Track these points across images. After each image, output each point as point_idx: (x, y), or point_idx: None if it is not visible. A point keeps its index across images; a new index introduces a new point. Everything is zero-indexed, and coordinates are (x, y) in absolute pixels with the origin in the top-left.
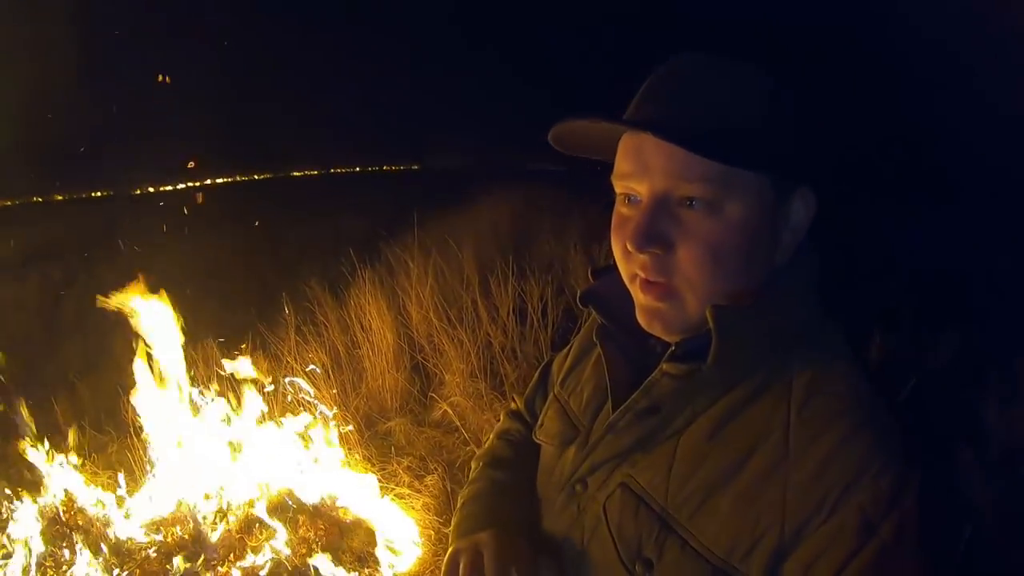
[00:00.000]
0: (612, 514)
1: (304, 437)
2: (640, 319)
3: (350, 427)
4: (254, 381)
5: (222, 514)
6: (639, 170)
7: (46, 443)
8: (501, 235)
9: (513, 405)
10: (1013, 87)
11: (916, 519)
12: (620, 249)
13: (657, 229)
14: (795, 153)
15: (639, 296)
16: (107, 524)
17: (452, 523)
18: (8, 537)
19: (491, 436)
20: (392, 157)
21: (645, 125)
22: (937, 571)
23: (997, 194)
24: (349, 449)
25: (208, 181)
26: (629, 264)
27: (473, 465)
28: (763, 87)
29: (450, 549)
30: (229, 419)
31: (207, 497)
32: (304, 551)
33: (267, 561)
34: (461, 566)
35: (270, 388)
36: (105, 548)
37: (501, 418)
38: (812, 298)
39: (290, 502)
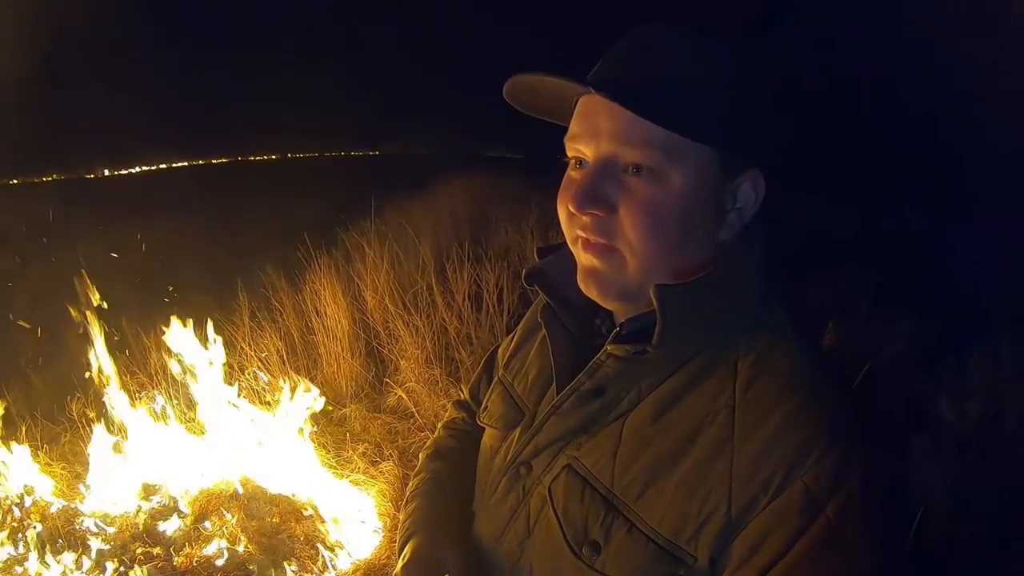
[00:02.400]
0: (557, 496)
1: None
2: (581, 282)
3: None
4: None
5: (174, 504)
6: (588, 132)
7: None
8: (458, 222)
9: (461, 395)
10: (969, 78)
11: (861, 498)
12: (564, 212)
13: (600, 191)
14: (748, 134)
15: (580, 256)
16: (66, 517)
17: (400, 521)
18: None
19: (438, 426)
20: (350, 143)
21: (593, 84)
22: (884, 550)
23: (955, 187)
24: (304, 435)
25: (164, 165)
26: (572, 226)
27: (420, 456)
28: (723, 64)
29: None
30: (166, 413)
31: (150, 491)
32: (258, 540)
33: (221, 550)
34: None
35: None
36: (59, 542)
37: (448, 409)
38: (757, 279)
39: (239, 490)
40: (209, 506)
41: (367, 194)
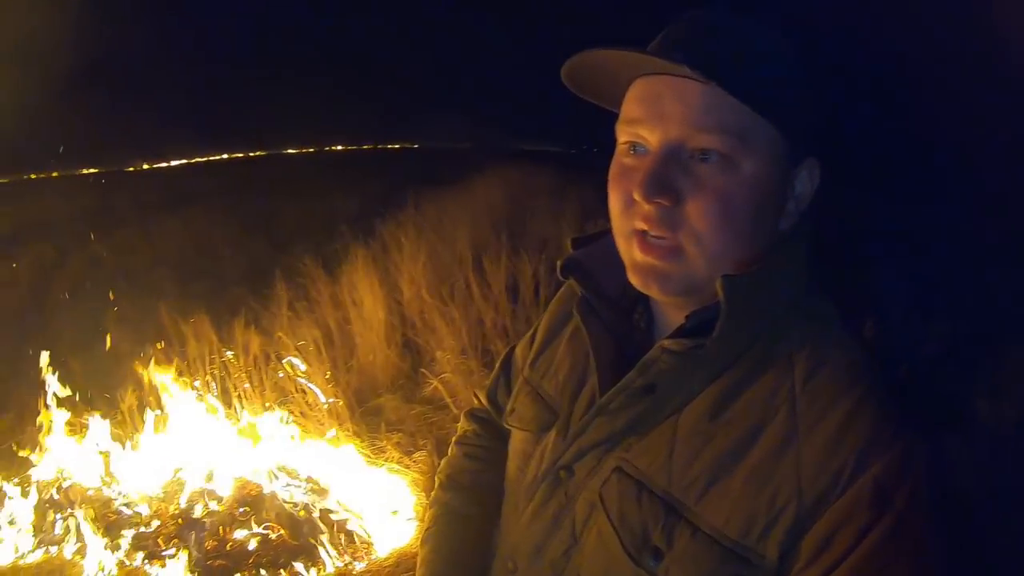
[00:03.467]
0: (610, 501)
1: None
2: (635, 279)
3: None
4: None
5: (208, 490)
6: (653, 116)
7: (41, 419)
8: (496, 214)
9: (475, 402)
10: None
11: (925, 488)
12: (622, 200)
13: (668, 179)
14: (811, 121)
15: (636, 254)
16: (102, 500)
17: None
18: (2, 513)
19: (452, 444)
20: (389, 135)
21: (683, 60)
22: (946, 538)
23: (997, 191)
24: (340, 424)
25: (201, 158)
26: (629, 217)
27: (436, 481)
28: (789, 48)
29: None
30: (214, 408)
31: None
32: (290, 527)
33: (254, 535)
34: None
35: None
36: (96, 524)
37: (462, 420)
38: (806, 270)
39: (273, 478)
40: (243, 493)
41: (405, 186)
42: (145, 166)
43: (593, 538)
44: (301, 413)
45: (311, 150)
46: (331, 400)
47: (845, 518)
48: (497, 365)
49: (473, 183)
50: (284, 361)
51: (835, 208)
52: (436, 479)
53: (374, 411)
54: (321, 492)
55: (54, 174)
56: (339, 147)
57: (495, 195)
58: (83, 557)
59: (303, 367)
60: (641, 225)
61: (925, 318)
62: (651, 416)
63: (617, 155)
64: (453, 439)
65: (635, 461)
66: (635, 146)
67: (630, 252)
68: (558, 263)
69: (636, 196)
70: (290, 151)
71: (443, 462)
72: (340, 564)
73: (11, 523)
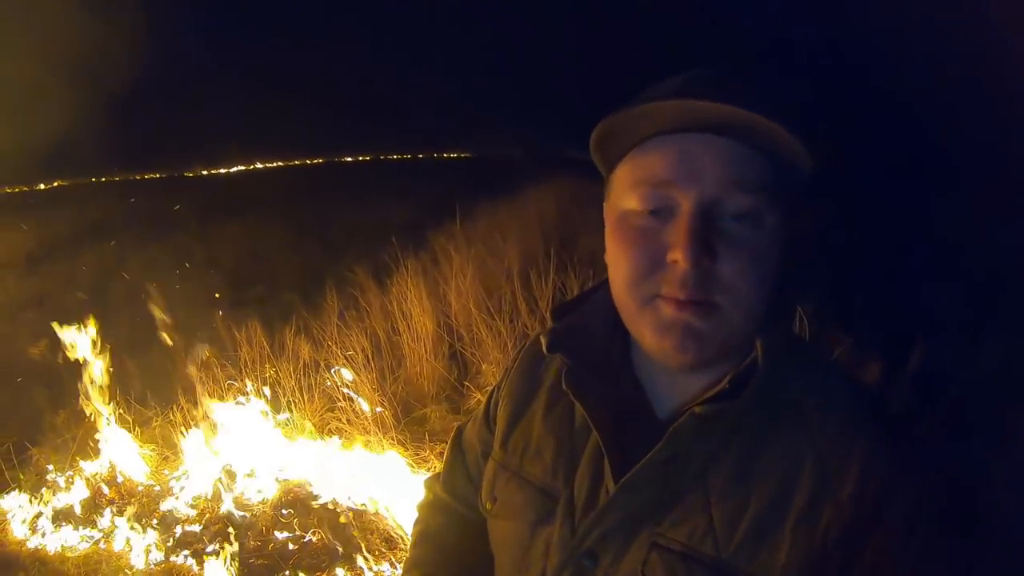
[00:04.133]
0: None
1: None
2: (664, 343)
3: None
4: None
5: (254, 493)
6: (685, 176)
7: (98, 415)
8: (546, 227)
9: (431, 493)
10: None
11: (945, 512)
12: (643, 264)
13: (709, 239)
14: (821, 169)
15: (666, 316)
16: (151, 497)
17: None
18: (54, 503)
19: (414, 534)
20: (442, 145)
21: (748, 105)
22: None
23: None
24: (385, 432)
25: (259, 165)
26: (651, 283)
27: (415, 533)
28: (804, 96)
29: None
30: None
31: (232, 477)
32: (332, 531)
33: (295, 538)
34: None
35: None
36: (144, 520)
37: (419, 511)
38: (790, 312)
39: (316, 483)
40: (287, 496)
41: (456, 197)
42: (204, 172)
43: None
44: (347, 420)
45: (367, 158)
46: (377, 409)
47: (884, 549)
48: (447, 452)
49: (525, 194)
50: (333, 371)
51: (880, 229)
52: (413, 532)
53: (419, 421)
54: (363, 498)
55: (115, 178)
56: (394, 156)
57: (547, 207)
58: (129, 551)
59: (351, 376)
60: (672, 291)
61: (975, 340)
62: (677, 485)
63: (625, 219)
64: (415, 530)
65: (672, 534)
66: (655, 209)
67: (655, 316)
68: (543, 339)
69: (675, 258)
70: (346, 159)
71: (407, 559)
72: (378, 569)
73: (62, 515)
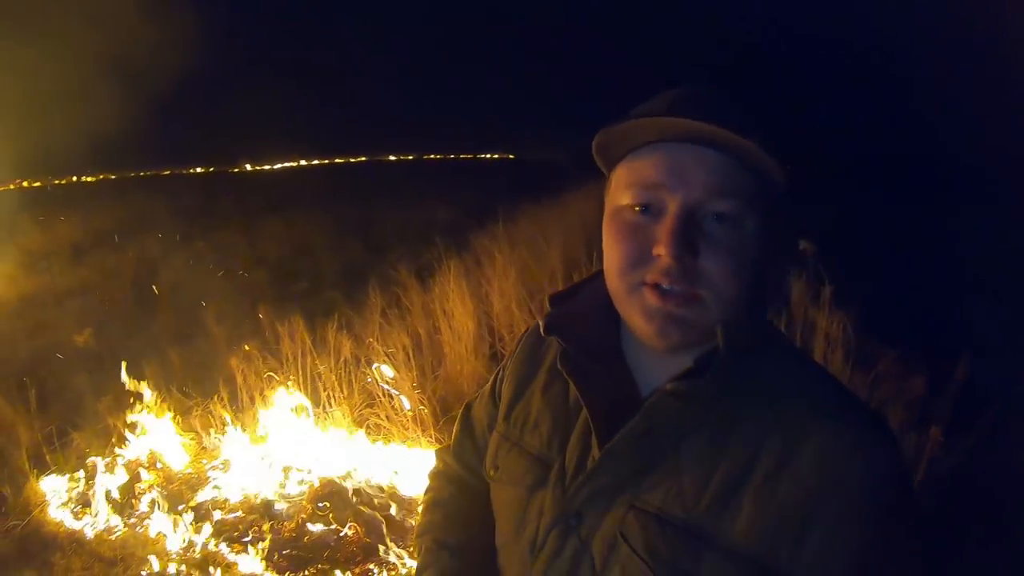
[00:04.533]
0: (634, 537)
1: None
2: (648, 327)
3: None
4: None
5: (291, 485)
6: (673, 180)
7: (140, 403)
8: (589, 230)
9: (441, 463)
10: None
11: (902, 490)
12: (632, 255)
13: (689, 236)
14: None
15: (650, 303)
16: (190, 484)
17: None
18: (93, 487)
19: (425, 502)
20: (484, 147)
21: (729, 126)
22: (924, 534)
23: None
24: (423, 431)
25: (303, 162)
26: (638, 272)
27: (418, 544)
28: (761, 114)
29: None
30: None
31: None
32: (367, 526)
33: (331, 531)
34: None
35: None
36: (181, 507)
37: (430, 481)
38: (766, 307)
39: (353, 479)
40: (324, 490)
41: (499, 198)
42: (248, 168)
43: (616, 574)
44: (387, 417)
45: (410, 158)
46: (417, 407)
47: (838, 520)
48: (456, 425)
49: (568, 197)
50: (374, 367)
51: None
52: (418, 542)
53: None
54: (399, 495)
55: (162, 172)
56: (437, 156)
57: (589, 210)
58: (165, 537)
59: (391, 373)
60: (656, 278)
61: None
62: (654, 454)
63: (619, 213)
64: (426, 499)
65: (647, 498)
66: (647, 207)
67: (641, 302)
68: (540, 323)
69: (659, 251)
70: (390, 158)
71: (419, 524)
72: (411, 565)
73: (100, 499)
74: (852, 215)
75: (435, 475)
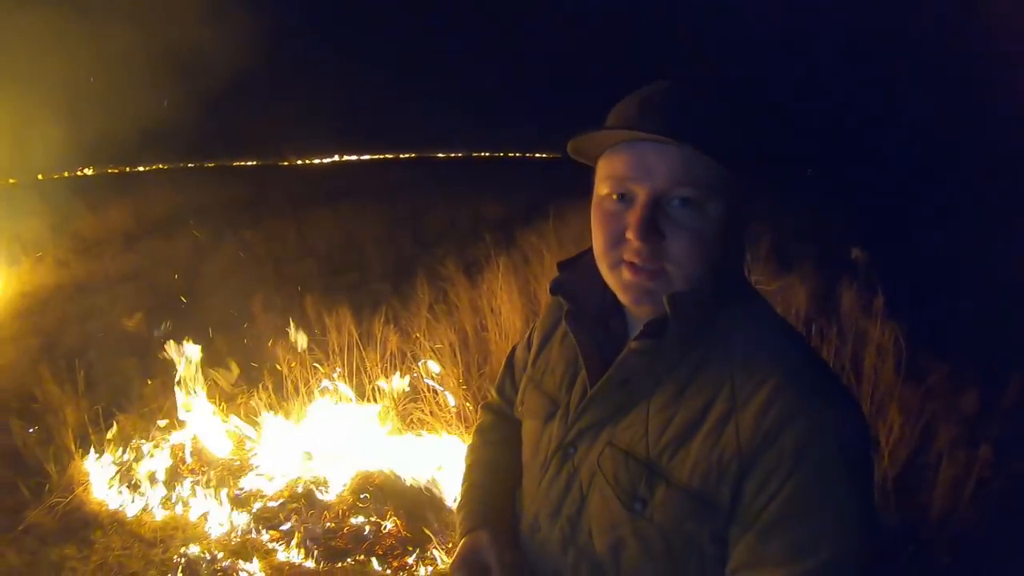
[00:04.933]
0: (606, 468)
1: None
2: (625, 297)
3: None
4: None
5: (334, 475)
6: (640, 174)
7: (187, 388)
8: None
9: (489, 398)
10: None
11: (839, 446)
12: (611, 238)
13: (655, 222)
14: (756, 168)
15: (626, 278)
16: (232, 470)
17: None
18: (136, 469)
19: (473, 432)
20: (534, 145)
21: (668, 133)
22: (859, 489)
23: None
24: (467, 427)
25: (353, 157)
26: (616, 252)
27: (464, 462)
28: (744, 105)
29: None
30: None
31: (312, 460)
32: (407, 520)
33: (370, 523)
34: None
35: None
36: (222, 493)
37: (480, 413)
38: (744, 279)
39: (395, 474)
40: (366, 481)
41: (548, 197)
42: (298, 161)
43: (596, 496)
44: (430, 412)
45: (460, 155)
46: (462, 404)
47: (773, 467)
48: (503, 366)
49: None
50: (420, 363)
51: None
52: (464, 463)
53: None
54: (441, 490)
55: (212, 164)
56: (487, 154)
57: None
58: (205, 521)
59: (437, 369)
60: (630, 257)
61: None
62: (629, 402)
63: (601, 202)
64: (475, 428)
65: (621, 435)
66: (622, 196)
67: (619, 277)
68: (550, 284)
69: (629, 235)
70: (439, 155)
71: (467, 450)
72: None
73: (142, 481)
74: (908, 223)
75: (483, 407)
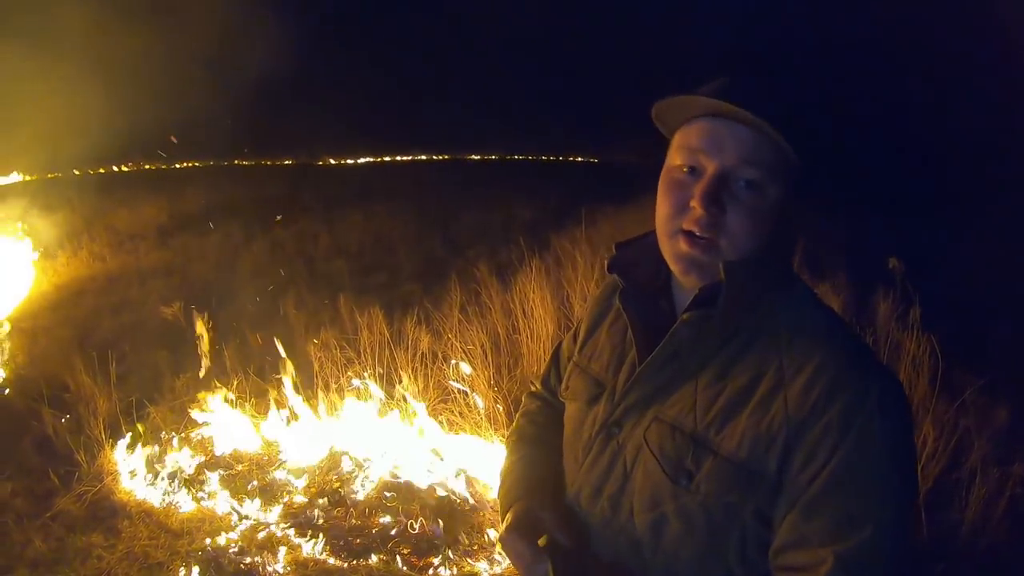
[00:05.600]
0: (652, 442)
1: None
2: (677, 266)
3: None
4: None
5: (364, 476)
6: (714, 149)
7: (216, 382)
8: None
9: (532, 388)
10: None
11: (882, 420)
12: (675, 206)
13: (720, 195)
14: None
15: (682, 247)
16: (260, 466)
17: (499, 494)
18: (165, 461)
19: (517, 416)
20: (570, 148)
21: (760, 113)
22: (902, 461)
23: None
24: (496, 429)
25: (387, 158)
26: (679, 220)
27: (507, 442)
28: (804, 104)
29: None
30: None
31: (339, 458)
32: (435, 519)
33: (397, 522)
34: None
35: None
36: (249, 487)
37: (524, 400)
38: (791, 266)
39: (423, 474)
40: (393, 481)
41: (581, 200)
42: (332, 161)
43: (641, 473)
44: (460, 414)
45: (493, 157)
46: (492, 406)
47: (820, 437)
48: (549, 358)
49: (650, 201)
50: (452, 364)
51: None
52: (507, 441)
53: None
54: (469, 491)
55: (245, 162)
56: (519, 156)
57: None
58: (231, 514)
59: (468, 370)
60: (690, 226)
61: None
62: (676, 378)
63: (671, 171)
64: (518, 413)
65: (669, 411)
66: (692, 169)
67: (676, 246)
68: (605, 261)
69: (693, 203)
70: (473, 157)
71: (511, 429)
72: (475, 565)
73: (171, 473)
74: (946, 233)
75: (528, 395)
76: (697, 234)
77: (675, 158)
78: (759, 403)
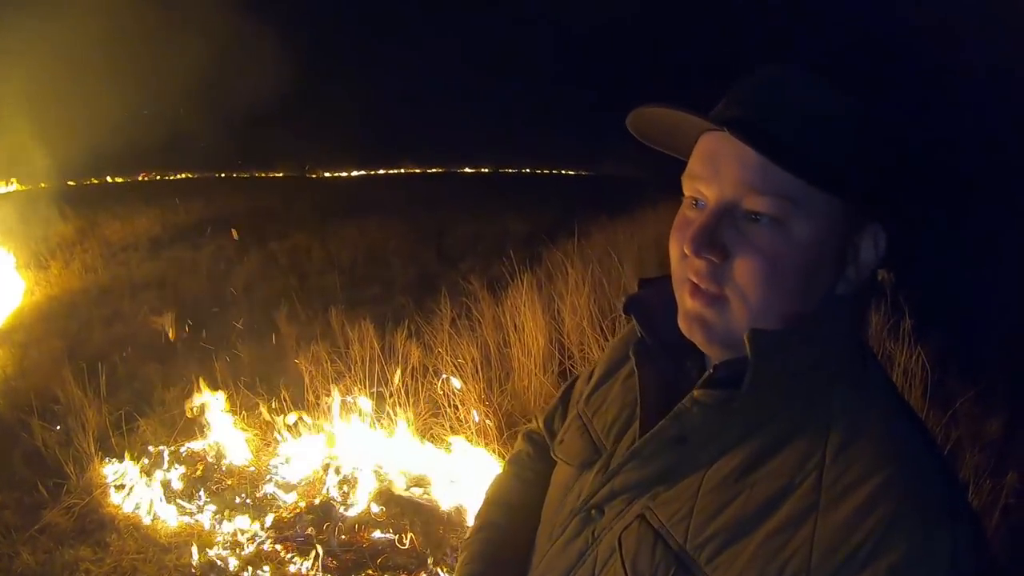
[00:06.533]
0: (628, 547)
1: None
2: (682, 325)
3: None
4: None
5: (351, 488)
6: (710, 174)
7: (204, 397)
8: (662, 248)
9: (532, 424)
10: None
11: None
12: (677, 251)
13: (718, 236)
14: (876, 186)
15: (685, 301)
16: (250, 479)
17: (456, 568)
18: (154, 474)
19: (505, 463)
20: (561, 162)
21: (727, 123)
22: None
23: None
24: (487, 443)
25: (380, 171)
26: (683, 268)
27: (485, 495)
28: (855, 110)
29: None
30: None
31: (330, 471)
32: (425, 535)
33: (387, 539)
34: None
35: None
36: (238, 502)
37: (519, 440)
38: (856, 336)
39: (413, 491)
40: (383, 497)
41: (573, 214)
42: (326, 174)
43: None
44: (450, 427)
45: (486, 171)
46: (483, 420)
47: None
48: (558, 394)
49: (644, 215)
50: (442, 378)
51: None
52: (485, 496)
53: None
54: (458, 507)
55: (241, 175)
56: (512, 170)
57: (663, 228)
58: (221, 528)
59: (459, 384)
60: (692, 277)
61: None
62: (680, 468)
63: (682, 206)
64: (508, 458)
65: (658, 511)
66: (696, 200)
67: (682, 298)
68: (622, 300)
69: (686, 250)
70: (466, 170)
71: (493, 480)
72: None
73: (160, 487)
74: (936, 244)
75: (524, 434)
76: (701, 287)
77: (685, 188)
78: (779, 528)
